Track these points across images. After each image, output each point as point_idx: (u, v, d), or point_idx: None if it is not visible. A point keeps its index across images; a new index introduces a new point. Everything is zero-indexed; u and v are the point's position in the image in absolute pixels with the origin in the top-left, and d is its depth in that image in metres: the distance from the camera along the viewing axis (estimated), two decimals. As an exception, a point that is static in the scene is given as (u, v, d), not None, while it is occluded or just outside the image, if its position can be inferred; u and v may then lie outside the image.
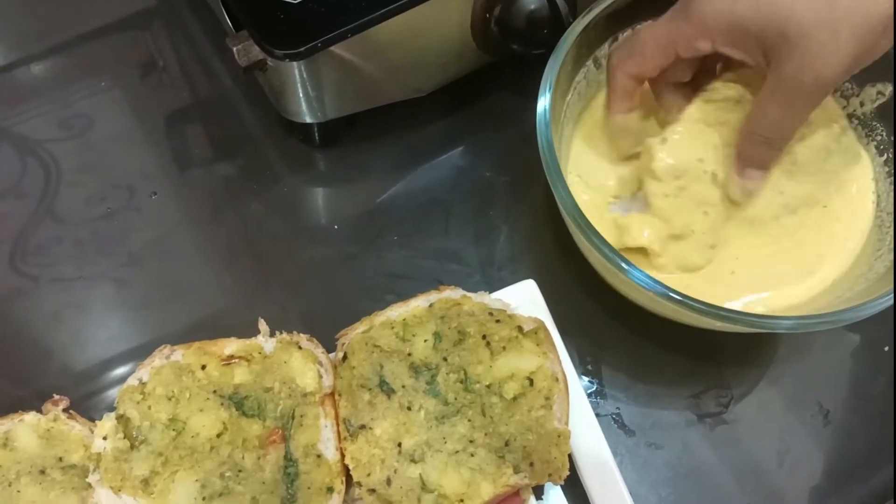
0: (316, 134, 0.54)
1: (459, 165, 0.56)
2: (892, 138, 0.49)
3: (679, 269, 0.47)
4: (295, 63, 0.46)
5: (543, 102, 0.46)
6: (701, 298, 0.42)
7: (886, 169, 0.49)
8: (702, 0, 0.42)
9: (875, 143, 0.50)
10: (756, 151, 0.45)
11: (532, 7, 0.49)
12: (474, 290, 0.46)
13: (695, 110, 0.47)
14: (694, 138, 0.46)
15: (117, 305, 0.52)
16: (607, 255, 0.43)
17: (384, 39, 0.47)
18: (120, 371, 0.50)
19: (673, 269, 0.47)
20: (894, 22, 0.39)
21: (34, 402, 0.45)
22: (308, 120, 0.52)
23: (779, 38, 0.40)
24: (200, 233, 0.54)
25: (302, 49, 0.44)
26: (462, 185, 0.55)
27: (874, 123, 0.50)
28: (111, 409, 0.44)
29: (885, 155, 0.50)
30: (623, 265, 0.42)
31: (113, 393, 0.49)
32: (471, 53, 0.52)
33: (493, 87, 0.57)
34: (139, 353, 0.49)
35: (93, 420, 0.45)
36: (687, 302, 0.42)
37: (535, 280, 0.49)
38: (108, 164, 0.56)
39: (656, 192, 0.46)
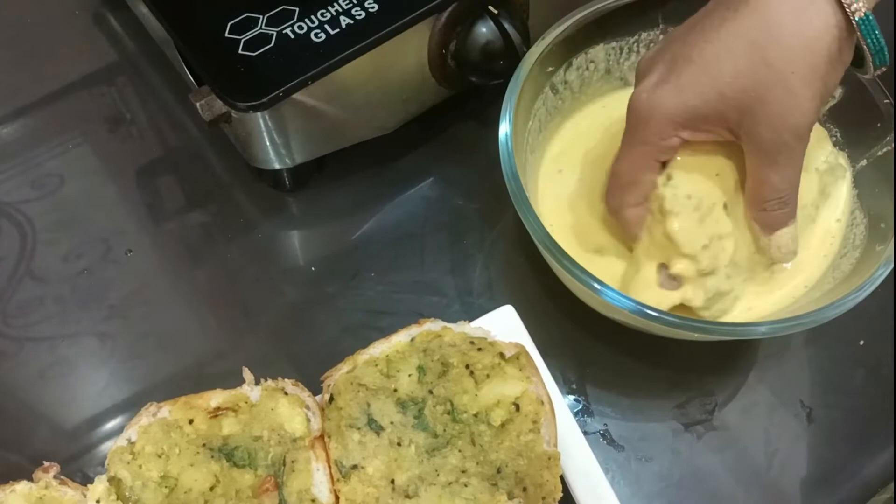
0: (286, 179, 0.55)
1: (430, 197, 0.57)
2: (844, 139, 0.51)
3: (714, 310, 0.47)
4: (259, 113, 0.47)
5: (504, 130, 0.47)
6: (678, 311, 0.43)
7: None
8: (651, 111, 0.43)
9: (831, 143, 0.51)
10: (776, 216, 0.45)
11: (486, 40, 0.50)
12: (454, 320, 0.46)
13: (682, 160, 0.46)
14: (694, 171, 0.46)
15: (102, 360, 0.52)
16: (579, 276, 0.43)
17: (344, 83, 0.48)
18: (110, 425, 0.50)
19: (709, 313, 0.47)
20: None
21: (26, 465, 0.45)
22: (277, 166, 0.52)
23: (738, 113, 0.41)
24: (179, 283, 0.55)
25: (264, 100, 0.45)
26: (434, 216, 0.56)
27: (828, 126, 0.51)
28: (104, 464, 0.43)
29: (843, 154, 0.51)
30: (596, 286, 0.43)
31: (104, 448, 0.49)
32: (431, 88, 0.53)
33: (455, 119, 0.58)
34: (128, 406, 0.49)
35: (86, 483, 0.45)
36: (663, 317, 0.43)
37: (514, 304, 0.49)
38: (83, 221, 0.56)
39: (681, 227, 0.45)
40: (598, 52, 0.52)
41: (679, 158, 0.45)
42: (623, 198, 0.46)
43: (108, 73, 0.63)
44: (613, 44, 0.53)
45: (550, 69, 0.51)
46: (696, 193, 0.45)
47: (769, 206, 0.44)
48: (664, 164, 0.45)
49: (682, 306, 0.46)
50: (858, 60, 0.42)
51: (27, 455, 0.48)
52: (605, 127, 0.53)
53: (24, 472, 0.45)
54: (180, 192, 0.59)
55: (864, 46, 0.40)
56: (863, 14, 0.39)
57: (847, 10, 0.39)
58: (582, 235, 0.50)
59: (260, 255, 0.55)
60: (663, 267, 0.46)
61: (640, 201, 0.46)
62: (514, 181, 0.45)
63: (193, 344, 0.53)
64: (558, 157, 0.52)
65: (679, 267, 0.45)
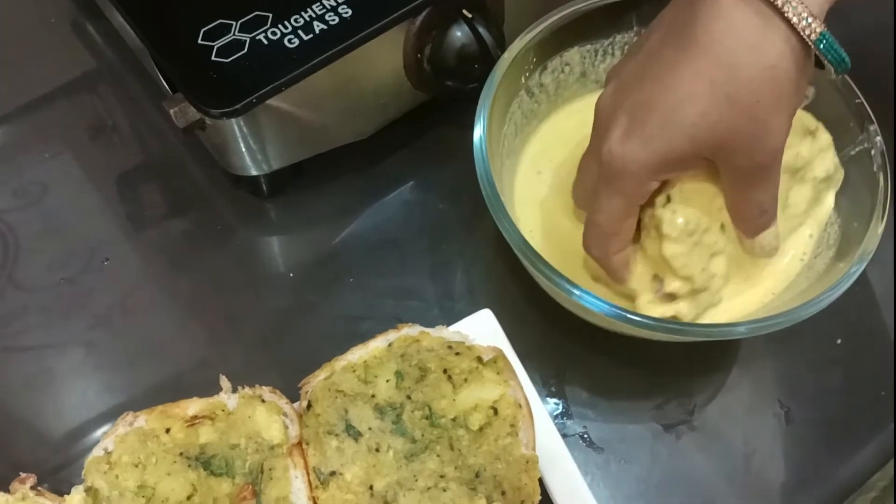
0: (263, 185, 0.55)
1: (409, 202, 0.57)
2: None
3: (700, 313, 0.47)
4: (233, 120, 0.47)
5: (479, 133, 0.47)
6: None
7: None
8: (624, 166, 0.42)
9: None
10: (759, 224, 0.45)
11: (461, 44, 0.50)
12: (434, 325, 0.46)
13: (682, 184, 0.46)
14: (693, 193, 0.45)
15: (86, 370, 0.52)
16: (556, 280, 0.43)
17: (319, 88, 0.48)
18: (94, 436, 0.50)
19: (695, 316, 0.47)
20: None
21: (10, 474, 0.45)
22: (253, 172, 0.52)
23: (711, 149, 0.41)
24: (161, 291, 0.54)
25: (238, 106, 0.45)
26: (413, 221, 0.56)
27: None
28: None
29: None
30: (574, 290, 0.43)
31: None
32: (407, 93, 0.53)
33: (433, 123, 0.58)
34: (112, 416, 0.48)
35: (64, 493, 0.45)
36: (643, 321, 0.43)
37: (493, 308, 0.49)
38: (66, 229, 0.56)
39: (677, 252, 0.45)
40: (573, 55, 0.52)
41: (678, 183, 0.45)
42: (606, 248, 0.45)
43: (87, 81, 0.63)
44: (588, 46, 0.53)
45: (525, 73, 0.51)
46: (693, 218, 0.44)
47: (751, 218, 0.45)
48: (663, 185, 0.44)
49: None
50: (820, 64, 0.41)
51: (8, 465, 0.48)
52: (581, 129, 0.53)
53: (4, 483, 0.44)
54: (161, 199, 0.59)
55: (825, 61, 0.40)
56: (818, 34, 0.38)
57: (801, 34, 0.38)
58: (560, 239, 0.50)
59: (239, 261, 0.55)
60: (657, 279, 0.46)
61: (624, 247, 0.46)
62: (489, 185, 0.45)
63: (175, 352, 0.52)
64: (535, 161, 0.52)
65: (674, 286, 0.45)
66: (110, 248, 0.55)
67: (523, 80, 0.51)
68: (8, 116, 0.61)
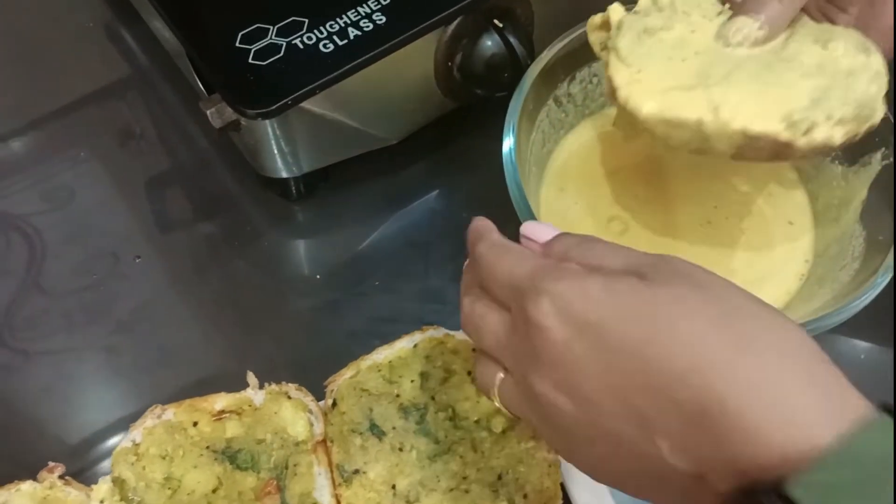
0: (293, 187, 0.56)
1: (435, 208, 0.58)
2: (841, 152, 0.51)
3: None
4: (268, 121, 0.48)
5: (508, 143, 0.47)
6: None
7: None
8: None
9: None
10: None
11: (491, 53, 0.51)
12: (457, 328, 0.47)
13: None
14: None
15: (109, 373, 0.52)
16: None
17: (351, 93, 0.49)
18: (115, 440, 0.50)
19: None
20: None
21: (29, 477, 0.46)
22: (284, 175, 0.53)
23: None
24: (186, 293, 0.55)
25: (273, 107, 0.46)
26: (439, 226, 0.57)
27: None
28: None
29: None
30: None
31: (109, 463, 0.49)
32: (436, 100, 0.54)
33: (460, 131, 0.59)
34: (133, 419, 0.49)
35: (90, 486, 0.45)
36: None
37: (516, 314, 0.50)
38: (92, 233, 0.57)
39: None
40: (601, 65, 0.53)
41: None
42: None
43: (119, 86, 0.64)
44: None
45: (554, 82, 0.51)
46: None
47: None
48: None
49: None
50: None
51: (30, 466, 0.48)
52: (603, 141, 0.53)
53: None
54: (188, 202, 0.59)
55: None
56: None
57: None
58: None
59: (266, 263, 0.56)
60: None
61: None
62: (519, 193, 0.46)
63: (199, 354, 0.53)
64: (561, 170, 0.53)
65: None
66: (136, 251, 0.56)
67: (552, 90, 0.52)
68: (39, 120, 0.62)
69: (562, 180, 0.53)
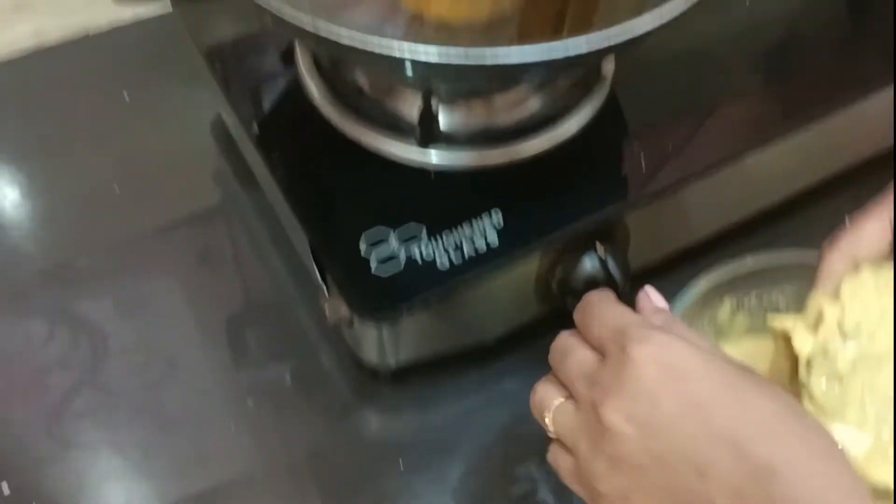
0: (385, 373, 0.59)
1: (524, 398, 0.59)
2: None
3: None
4: (379, 323, 0.51)
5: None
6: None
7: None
8: None
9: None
10: None
11: (589, 273, 0.54)
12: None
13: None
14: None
15: (143, 474, 0.54)
16: None
17: (458, 302, 0.52)
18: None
19: None
20: None
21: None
22: (379, 364, 0.56)
23: None
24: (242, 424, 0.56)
25: (391, 315, 0.49)
26: (529, 416, 0.58)
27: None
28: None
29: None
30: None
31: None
32: (530, 307, 0.57)
33: (545, 332, 0.61)
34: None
35: None
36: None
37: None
38: (156, 343, 0.59)
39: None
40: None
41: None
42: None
43: (207, 215, 0.67)
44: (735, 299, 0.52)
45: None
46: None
47: None
48: None
49: None
50: None
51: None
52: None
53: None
54: (264, 343, 0.61)
55: None
56: None
57: None
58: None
59: (344, 437, 0.57)
60: None
61: None
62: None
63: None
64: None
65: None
66: (199, 369, 0.58)
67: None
68: (121, 242, 0.65)
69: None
